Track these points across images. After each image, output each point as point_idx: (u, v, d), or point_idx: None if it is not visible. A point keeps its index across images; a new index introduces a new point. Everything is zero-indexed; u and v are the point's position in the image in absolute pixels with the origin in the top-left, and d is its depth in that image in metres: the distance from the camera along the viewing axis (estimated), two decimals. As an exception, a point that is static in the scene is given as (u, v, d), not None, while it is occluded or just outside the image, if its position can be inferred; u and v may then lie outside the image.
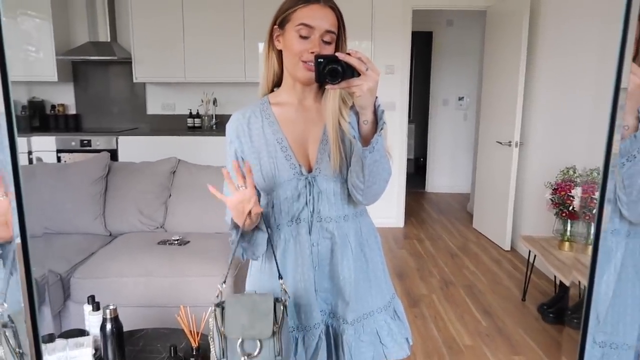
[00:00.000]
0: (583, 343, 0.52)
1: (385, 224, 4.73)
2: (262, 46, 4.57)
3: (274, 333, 1.05)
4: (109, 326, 1.53)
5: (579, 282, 2.65)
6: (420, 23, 5.41)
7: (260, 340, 1.05)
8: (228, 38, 4.63)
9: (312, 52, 1.10)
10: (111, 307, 1.54)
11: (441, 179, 6.41)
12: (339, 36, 1.16)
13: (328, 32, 1.13)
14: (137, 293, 2.34)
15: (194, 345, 1.58)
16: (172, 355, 1.56)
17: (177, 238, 2.63)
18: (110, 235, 2.87)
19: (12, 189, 0.59)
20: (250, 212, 1.07)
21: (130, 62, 4.69)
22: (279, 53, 1.20)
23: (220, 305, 1.08)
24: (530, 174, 3.92)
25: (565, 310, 2.89)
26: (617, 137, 0.54)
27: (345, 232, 1.22)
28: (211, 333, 1.10)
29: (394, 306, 1.32)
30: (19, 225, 0.60)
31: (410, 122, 5.34)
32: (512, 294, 3.30)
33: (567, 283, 2.83)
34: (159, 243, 2.59)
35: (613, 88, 0.54)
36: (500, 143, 4.10)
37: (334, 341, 1.26)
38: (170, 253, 2.47)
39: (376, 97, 1.04)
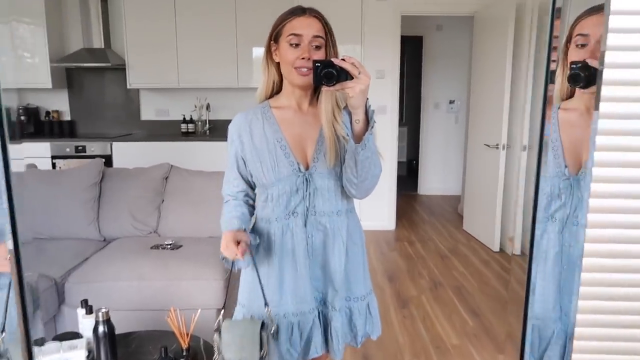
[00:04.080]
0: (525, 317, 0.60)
1: (377, 227, 4.80)
2: (254, 51, 4.62)
3: (261, 358, 1.17)
4: (101, 328, 1.58)
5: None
6: (411, 28, 5.48)
7: None
8: (221, 44, 4.69)
9: (303, 58, 1.21)
10: (103, 310, 1.60)
11: (433, 182, 6.48)
12: (327, 41, 1.26)
13: (316, 37, 1.23)
14: (130, 296, 2.39)
15: (184, 346, 1.64)
16: (163, 356, 1.62)
17: (170, 242, 2.69)
18: (104, 240, 2.92)
19: (4, 196, 0.65)
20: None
21: (124, 69, 4.75)
22: (277, 65, 1.30)
23: (219, 331, 1.22)
24: (517, 176, 3.99)
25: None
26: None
27: (338, 226, 1.32)
28: (216, 355, 1.24)
29: (369, 301, 1.42)
30: (12, 233, 0.66)
31: (402, 125, 5.42)
32: (499, 295, 3.37)
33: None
34: (152, 247, 2.65)
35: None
36: (488, 146, 4.18)
37: (325, 325, 1.37)
38: (163, 257, 2.53)
39: (367, 99, 1.14)
